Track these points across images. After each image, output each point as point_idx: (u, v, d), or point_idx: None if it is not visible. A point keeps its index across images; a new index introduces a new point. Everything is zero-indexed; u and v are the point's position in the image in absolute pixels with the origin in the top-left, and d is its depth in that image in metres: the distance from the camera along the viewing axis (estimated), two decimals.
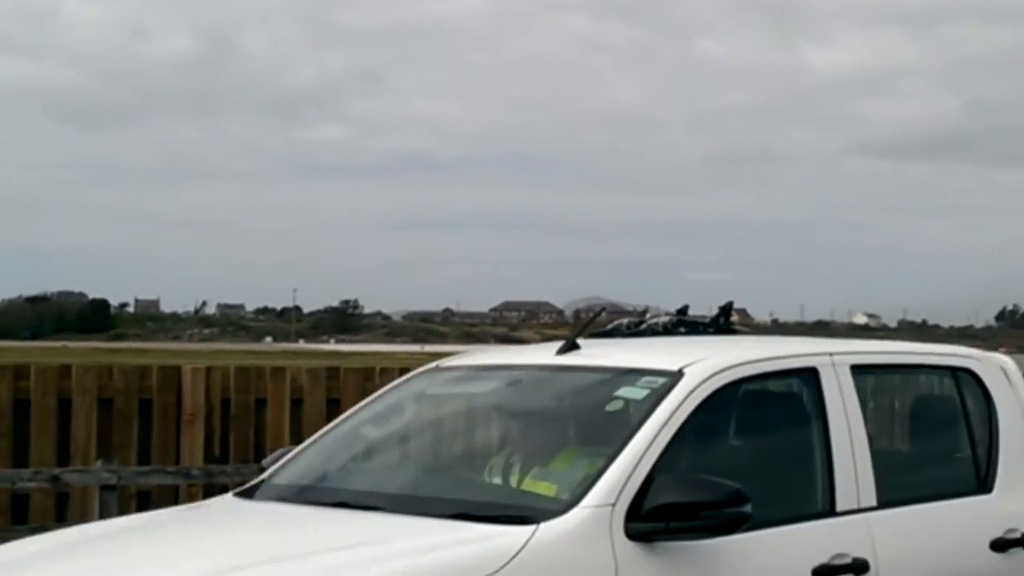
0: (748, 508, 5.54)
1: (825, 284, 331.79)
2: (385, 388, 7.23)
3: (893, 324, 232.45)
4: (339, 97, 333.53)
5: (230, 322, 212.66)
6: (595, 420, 6.39)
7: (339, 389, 13.56)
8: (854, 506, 6.30)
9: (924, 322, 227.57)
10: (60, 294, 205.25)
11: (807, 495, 6.34)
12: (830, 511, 6.27)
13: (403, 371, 13.88)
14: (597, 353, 6.85)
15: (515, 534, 5.41)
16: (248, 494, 6.59)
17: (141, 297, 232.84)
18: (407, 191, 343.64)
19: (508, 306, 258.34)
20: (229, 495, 6.74)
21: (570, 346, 6.69)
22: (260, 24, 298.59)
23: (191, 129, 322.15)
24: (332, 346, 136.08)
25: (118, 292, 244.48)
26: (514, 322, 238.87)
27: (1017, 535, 6.77)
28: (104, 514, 11.29)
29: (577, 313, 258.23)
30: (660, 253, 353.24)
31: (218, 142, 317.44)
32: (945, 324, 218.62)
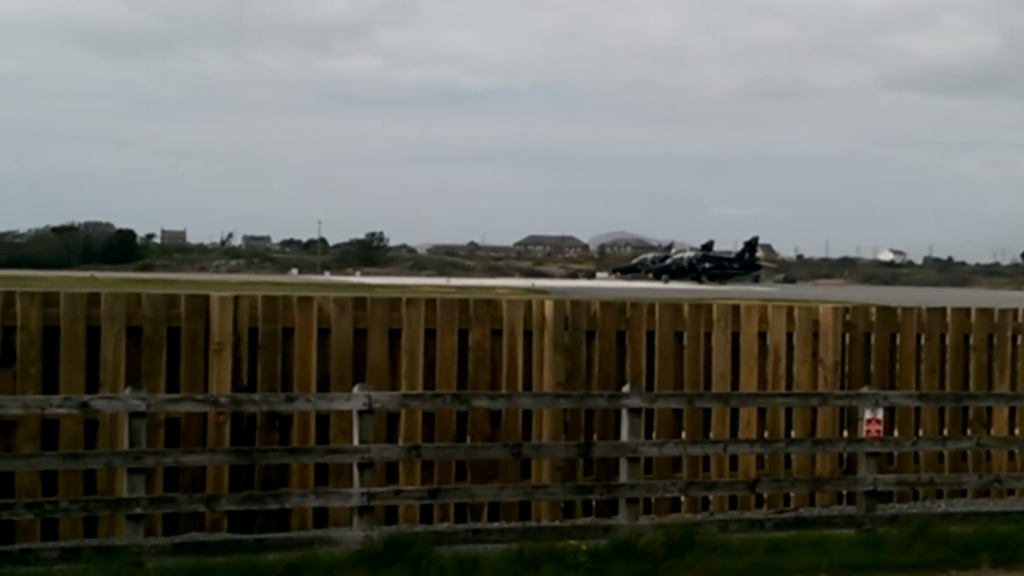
0: None
1: (852, 220, 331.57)
2: None
3: (919, 260, 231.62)
4: (370, 27, 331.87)
5: (256, 254, 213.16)
6: None
7: (366, 319, 13.63)
8: None
9: (950, 259, 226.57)
10: (87, 224, 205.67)
11: None
12: None
13: (430, 303, 13.96)
14: None
15: None
16: None
17: (168, 228, 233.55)
18: (435, 123, 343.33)
19: (533, 240, 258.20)
20: None
21: None
22: None
23: (221, 59, 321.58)
24: (357, 279, 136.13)
25: (145, 223, 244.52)
26: (539, 256, 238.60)
27: None
28: (134, 441, 11.43)
29: (602, 248, 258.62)
30: (687, 187, 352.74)
31: (248, 72, 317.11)
32: (971, 261, 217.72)
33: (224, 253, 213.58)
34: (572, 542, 11.94)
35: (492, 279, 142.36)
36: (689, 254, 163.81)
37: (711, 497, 14.46)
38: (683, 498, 14.26)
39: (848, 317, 15.53)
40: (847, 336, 15.44)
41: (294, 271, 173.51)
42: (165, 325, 12.97)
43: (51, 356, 12.60)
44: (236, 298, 13.37)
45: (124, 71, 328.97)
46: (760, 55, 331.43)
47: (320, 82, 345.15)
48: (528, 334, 14.17)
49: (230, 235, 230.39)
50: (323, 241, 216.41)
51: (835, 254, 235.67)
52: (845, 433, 14.94)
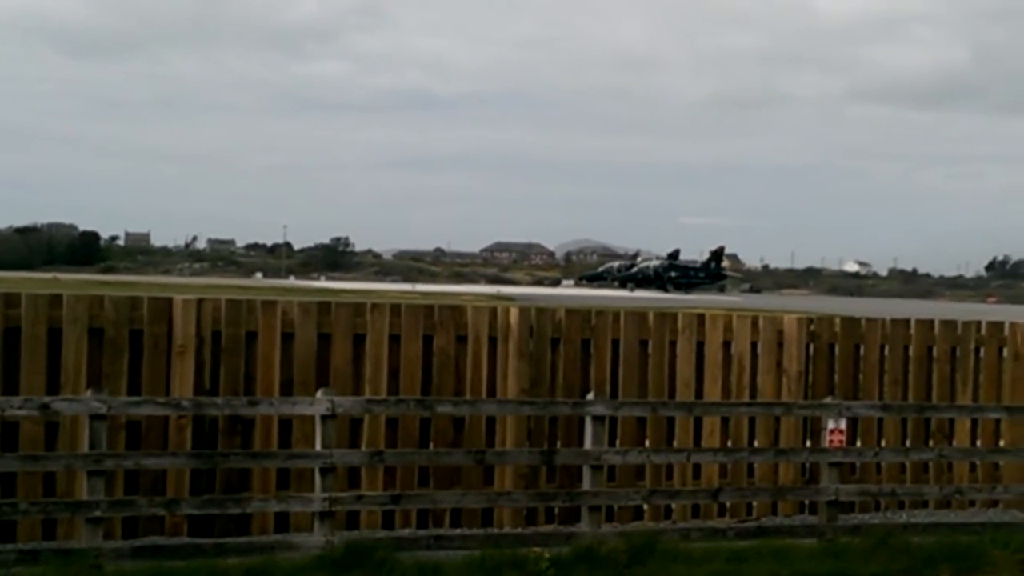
0: None
1: (818, 231, 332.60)
2: None
3: (884, 272, 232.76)
4: (340, 32, 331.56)
5: (220, 257, 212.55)
6: None
7: (330, 324, 13.56)
8: None
9: (915, 271, 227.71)
10: (50, 226, 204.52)
11: None
12: None
13: (394, 308, 13.91)
14: None
15: None
16: None
17: (131, 230, 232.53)
18: (403, 129, 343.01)
19: (499, 247, 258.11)
20: None
21: None
22: None
23: (189, 61, 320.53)
24: (322, 283, 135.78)
25: (109, 225, 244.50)
26: (505, 263, 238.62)
27: None
28: (94, 444, 11.34)
29: (568, 256, 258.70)
30: (654, 196, 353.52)
31: (215, 75, 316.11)
32: (936, 273, 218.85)
33: (188, 256, 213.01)
34: (535, 549, 11.92)
35: (457, 285, 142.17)
36: (655, 263, 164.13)
37: (674, 505, 14.45)
38: (646, 506, 14.25)
39: (813, 327, 15.56)
40: (811, 346, 15.47)
41: (259, 275, 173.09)
42: (127, 327, 12.87)
43: (11, 357, 12.48)
44: (199, 301, 13.28)
45: (91, 72, 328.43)
46: (730, 65, 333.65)
47: (289, 86, 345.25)
48: (493, 341, 14.13)
49: (194, 238, 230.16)
50: (288, 245, 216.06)
51: (800, 264, 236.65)
52: (808, 443, 14.96)
